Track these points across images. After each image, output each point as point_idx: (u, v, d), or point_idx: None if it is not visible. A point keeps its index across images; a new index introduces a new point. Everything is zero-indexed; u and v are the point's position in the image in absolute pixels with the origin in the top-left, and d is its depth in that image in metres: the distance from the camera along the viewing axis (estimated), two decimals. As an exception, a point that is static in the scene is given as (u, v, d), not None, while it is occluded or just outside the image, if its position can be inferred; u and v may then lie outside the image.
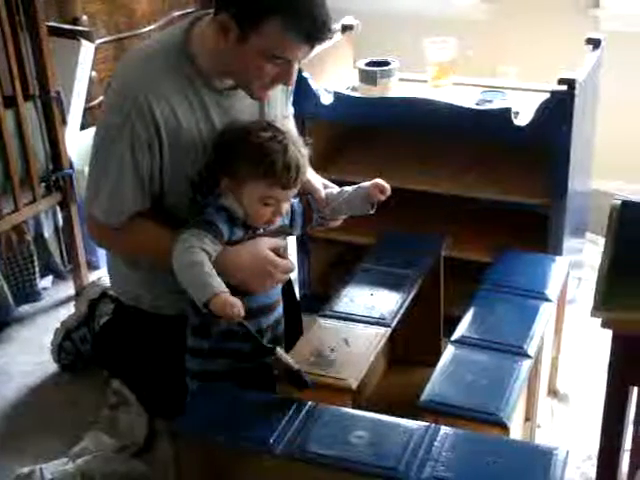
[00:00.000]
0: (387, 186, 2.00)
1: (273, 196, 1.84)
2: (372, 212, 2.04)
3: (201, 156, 1.91)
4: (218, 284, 1.73)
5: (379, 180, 2.02)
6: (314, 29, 1.78)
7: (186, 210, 1.92)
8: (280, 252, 1.94)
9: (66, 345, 2.51)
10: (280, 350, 1.79)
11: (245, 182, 1.83)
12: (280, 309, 2.00)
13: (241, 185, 1.84)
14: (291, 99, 2.19)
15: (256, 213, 1.85)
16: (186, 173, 1.91)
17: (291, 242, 2.38)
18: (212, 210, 1.85)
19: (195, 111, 1.89)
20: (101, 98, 3.20)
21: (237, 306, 1.71)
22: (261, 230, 1.91)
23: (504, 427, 1.67)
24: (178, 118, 1.87)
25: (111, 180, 1.88)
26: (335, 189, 2.09)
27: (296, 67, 1.86)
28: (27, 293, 2.77)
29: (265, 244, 1.90)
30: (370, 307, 2.03)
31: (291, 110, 2.22)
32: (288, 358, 1.78)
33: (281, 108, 2.11)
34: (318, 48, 2.63)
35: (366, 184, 2.03)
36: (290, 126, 2.11)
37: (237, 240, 1.87)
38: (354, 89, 2.71)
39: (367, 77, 2.63)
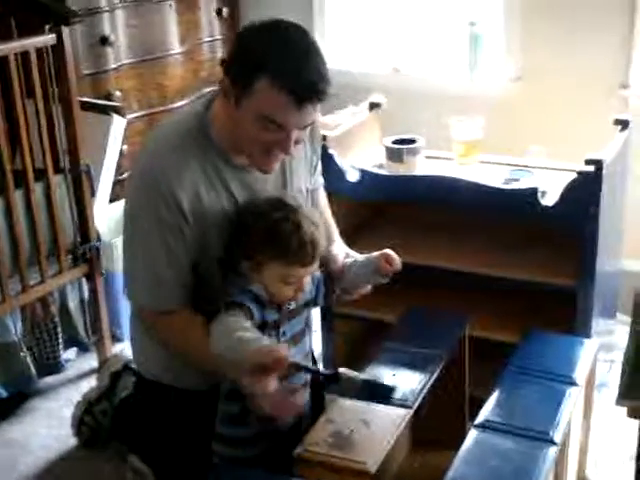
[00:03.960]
0: (395, 257, 1.97)
1: (293, 274, 1.83)
2: (385, 282, 2.01)
3: (227, 234, 1.90)
4: (259, 340, 1.69)
5: (387, 251, 1.98)
6: (302, 88, 1.72)
7: (216, 285, 1.90)
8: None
9: (87, 419, 2.49)
10: (342, 370, 1.77)
11: (263, 265, 1.82)
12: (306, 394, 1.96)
13: (260, 268, 1.83)
14: (319, 170, 2.15)
15: (279, 292, 1.84)
16: (214, 252, 1.90)
17: (315, 318, 2.36)
18: (238, 291, 1.84)
19: (218, 191, 1.88)
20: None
21: (284, 352, 1.65)
22: (292, 306, 1.89)
23: (529, 518, 1.61)
24: (202, 200, 1.86)
25: (146, 265, 1.87)
26: (353, 258, 2.07)
27: (293, 136, 1.80)
28: (50, 365, 2.77)
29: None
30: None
31: (321, 181, 2.18)
32: (352, 373, 1.75)
33: (305, 180, 2.08)
34: (346, 124, 2.70)
35: (375, 255, 2.00)
36: (319, 196, 2.10)
37: (274, 321, 1.86)
38: (381, 166, 2.72)
39: (393, 155, 2.64)
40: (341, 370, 1.76)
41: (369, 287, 2.07)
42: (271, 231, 1.80)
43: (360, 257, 2.05)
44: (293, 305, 1.89)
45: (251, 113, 1.76)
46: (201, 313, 1.88)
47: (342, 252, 2.08)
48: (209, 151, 1.87)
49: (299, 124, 1.79)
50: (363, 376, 1.75)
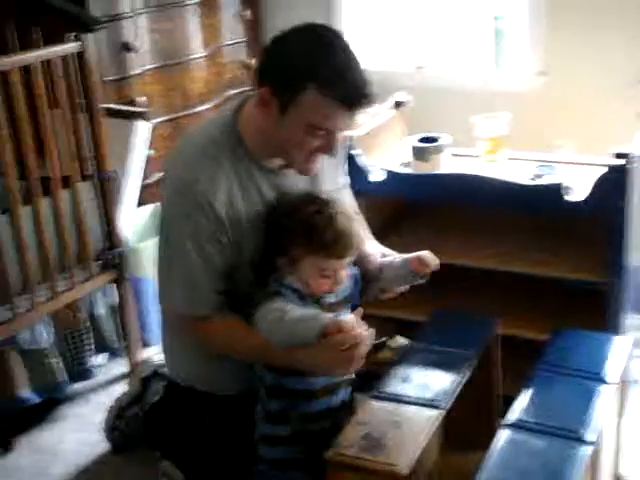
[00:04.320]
0: (429, 259, 1.97)
1: (329, 267, 1.83)
2: (422, 282, 2.01)
3: (261, 238, 1.90)
4: (319, 313, 1.76)
5: (423, 253, 1.98)
6: (350, 94, 1.74)
7: (247, 290, 1.91)
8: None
9: (118, 424, 2.49)
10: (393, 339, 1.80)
11: (299, 259, 1.83)
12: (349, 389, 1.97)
13: (296, 262, 1.84)
14: (345, 168, 2.16)
15: (316, 286, 1.85)
16: (248, 256, 1.91)
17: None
18: (276, 285, 1.85)
19: (251, 195, 1.89)
20: (158, 176, 3.27)
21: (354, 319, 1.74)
22: (332, 299, 1.89)
23: (563, 519, 1.59)
24: (236, 205, 1.86)
25: (182, 272, 1.87)
26: (390, 258, 2.06)
27: (339, 137, 1.83)
28: (81, 370, 2.79)
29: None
30: (423, 388, 1.98)
31: (346, 181, 2.18)
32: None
33: (331, 181, 2.08)
34: (371, 123, 2.69)
35: (411, 256, 2.00)
36: (344, 196, 2.10)
37: None
38: (408, 165, 2.71)
39: (418, 153, 2.63)
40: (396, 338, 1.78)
41: (407, 286, 2.06)
42: (306, 224, 1.81)
43: (398, 257, 2.05)
44: (333, 298, 1.89)
45: (298, 122, 1.77)
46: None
47: (378, 251, 2.08)
48: (240, 156, 1.88)
49: (346, 128, 1.82)
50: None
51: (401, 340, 1.77)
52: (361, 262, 2.02)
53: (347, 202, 2.17)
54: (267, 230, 1.89)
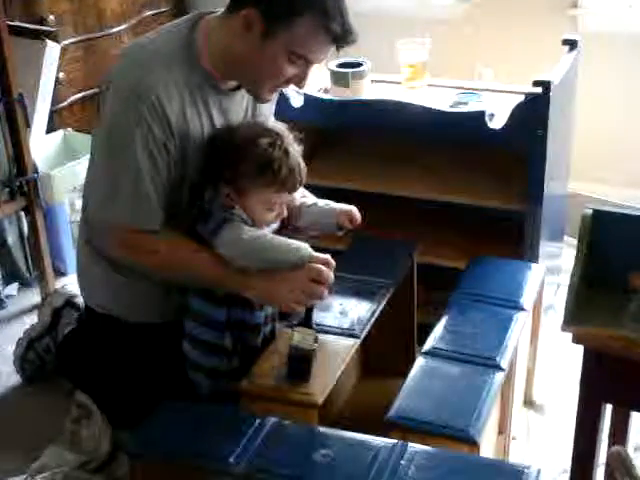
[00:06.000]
0: (358, 216, 1.99)
1: (279, 201, 1.85)
2: (340, 234, 2.01)
3: (203, 157, 1.87)
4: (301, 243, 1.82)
5: (351, 208, 1.99)
6: (343, 32, 1.79)
7: (182, 212, 1.88)
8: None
9: (29, 355, 2.43)
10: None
11: (249, 190, 1.82)
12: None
13: (245, 193, 1.82)
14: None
15: (261, 217, 1.85)
16: (189, 175, 1.88)
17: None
18: (221, 212, 1.82)
19: (200, 111, 1.87)
20: (70, 100, 3.15)
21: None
22: (272, 229, 1.90)
23: (474, 444, 1.61)
24: (186, 118, 1.84)
25: (131, 180, 1.81)
26: (310, 200, 2.03)
27: (310, 71, 1.85)
28: (-10, 300, 2.70)
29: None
30: (339, 317, 1.97)
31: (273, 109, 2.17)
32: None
33: (269, 108, 2.09)
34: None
35: (337, 207, 2.00)
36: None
37: None
38: (326, 91, 2.65)
39: (339, 79, 2.57)
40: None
41: (319, 233, 2.07)
42: (262, 157, 1.79)
43: (320, 202, 2.03)
44: (272, 228, 1.89)
45: (282, 47, 1.77)
46: None
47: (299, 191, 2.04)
48: (195, 71, 1.85)
49: (321, 61, 1.87)
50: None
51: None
52: None
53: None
54: (211, 155, 1.85)
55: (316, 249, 2.29)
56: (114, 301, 2.04)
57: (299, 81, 1.87)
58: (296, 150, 1.85)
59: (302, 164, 1.86)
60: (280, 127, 1.90)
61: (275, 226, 1.93)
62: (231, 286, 1.83)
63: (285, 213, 1.91)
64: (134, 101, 1.78)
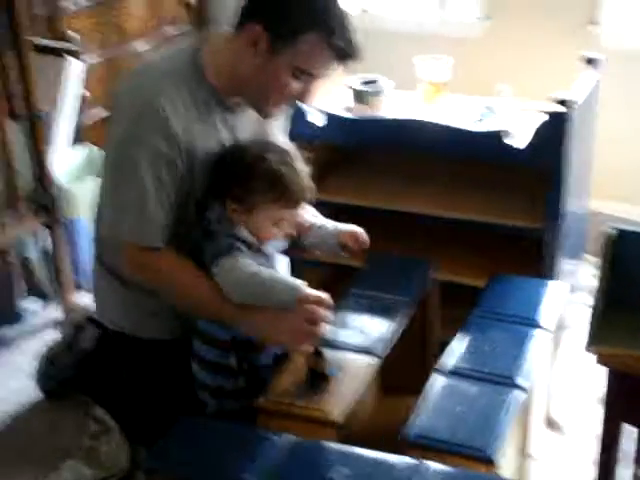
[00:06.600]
0: (364, 237, 1.97)
1: (285, 218, 1.84)
2: (346, 257, 2.00)
3: (208, 175, 1.87)
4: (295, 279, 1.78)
5: (358, 230, 1.97)
6: (349, 48, 1.80)
7: (188, 230, 1.87)
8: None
9: (50, 371, 2.45)
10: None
11: (257, 207, 1.81)
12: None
13: (251, 210, 1.81)
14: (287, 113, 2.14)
15: (267, 235, 1.84)
16: (195, 191, 1.87)
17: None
18: (225, 235, 1.81)
19: (207, 128, 1.87)
20: (93, 117, 3.17)
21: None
22: (270, 250, 1.87)
23: (492, 463, 1.59)
24: (193, 134, 1.83)
25: (137, 197, 1.81)
26: (320, 221, 2.03)
27: (316, 86, 1.86)
28: (10, 314, 2.71)
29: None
30: (360, 335, 1.96)
31: (284, 126, 2.16)
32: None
33: (280, 127, 2.08)
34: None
35: (344, 229, 1.98)
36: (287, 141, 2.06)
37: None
38: (349, 109, 2.66)
39: (359, 97, 2.58)
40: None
41: (324, 253, 2.06)
42: (270, 173, 1.79)
43: (329, 224, 2.02)
44: (271, 249, 1.87)
45: (288, 62, 1.78)
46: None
47: (308, 210, 2.04)
48: (201, 87, 1.85)
49: (326, 77, 1.85)
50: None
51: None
52: None
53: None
54: (220, 172, 1.85)
55: (332, 267, 2.30)
56: (125, 318, 2.04)
57: (304, 96, 1.87)
58: (304, 168, 1.85)
59: (310, 181, 1.86)
60: (289, 145, 1.91)
61: (282, 245, 1.92)
62: (227, 319, 1.81)
63: (294, 232, 1.90)
64: (140, 118, 1.79)
